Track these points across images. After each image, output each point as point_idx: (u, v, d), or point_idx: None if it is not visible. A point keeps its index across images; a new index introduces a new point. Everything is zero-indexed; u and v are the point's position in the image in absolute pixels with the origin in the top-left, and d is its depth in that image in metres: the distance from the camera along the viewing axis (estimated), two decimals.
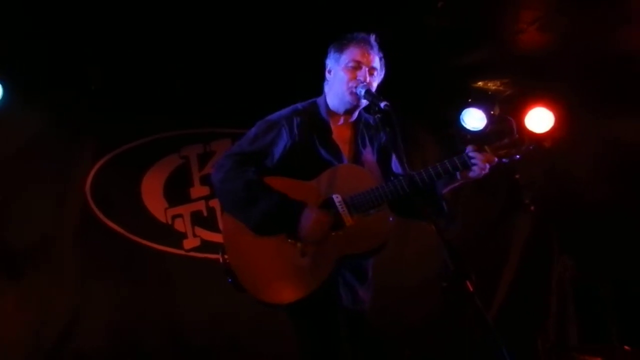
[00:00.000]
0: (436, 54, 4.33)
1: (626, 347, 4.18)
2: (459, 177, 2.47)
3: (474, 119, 4.65)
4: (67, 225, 4.37)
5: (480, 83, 4.75)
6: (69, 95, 4.37)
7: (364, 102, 2.52)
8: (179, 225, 4.58)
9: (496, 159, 2.40)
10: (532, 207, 4.91)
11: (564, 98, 4.57)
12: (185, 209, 4.61)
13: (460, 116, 4.67)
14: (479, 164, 2.38)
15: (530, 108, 4.61)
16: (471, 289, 1.71)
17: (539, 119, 4.60)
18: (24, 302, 4.21)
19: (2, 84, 4.02)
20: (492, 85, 4.76)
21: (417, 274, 4.64)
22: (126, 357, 4.29)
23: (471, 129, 4.65)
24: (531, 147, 2.39)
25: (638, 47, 3.92)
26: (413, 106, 4.63)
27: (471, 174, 2.42)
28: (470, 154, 2.40)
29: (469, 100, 4.67)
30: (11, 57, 3.97)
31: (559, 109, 4.58)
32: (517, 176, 4.90)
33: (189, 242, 4.57)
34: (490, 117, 4.61)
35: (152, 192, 4.56)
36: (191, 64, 4.33)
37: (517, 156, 2.41)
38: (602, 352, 4.13)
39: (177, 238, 4.56)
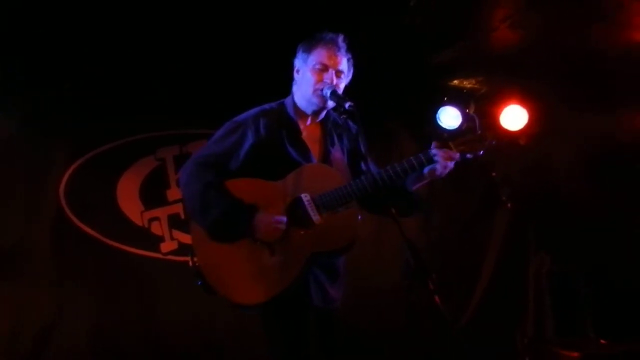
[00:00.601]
0: (411, 53, 4.34)
1: (602, 341, 4.23)
2: (426, 174, 2.48)
3: (449, 117, 4.66)
4: (42, 229, 4.33)
5: (455, 81, 4.77)
6: (42, 97, 4.32)
7: (331, 104, 2.52)
8: (155, 229, 4.54)
9: (459, 155, 2.42)
10: (509, 204, 4.95)
11: (539, 95, 4.61)
12: (162, 212, 4.57)
13: (437, 114, 4.69)
14: (441, 162, 2.42)
15: (505, 106, 4.65)
16: (431, 287, 1.73)
17: (514, 117, 4.63)
18: (0, 307, 4.15)
19: None
20: (467, 84, 4.79)
21: (394, 272, 4.64)
22: None
23: (447, 127, 4.67)
24: (493, 142, 2.44)
25: (611, 43, 3.96)
26: (390, 104, 4.65)
27: (436, 173, 2.45)
28: (433, 151, 2.43)
29: (445, 98, 4.69)
30: None
31: (534, 106, 4.62)
32: (493, 174, 4.94)
33: (166, 246, 4.54)
34: (465, 115, 4.63)
35: (127, 195, 4.51)
36: (167, 65, 4.30)
37: (480, 152, 2.44)
38: (579, 346, 4.17)
39: (154, 241, 4.52)
